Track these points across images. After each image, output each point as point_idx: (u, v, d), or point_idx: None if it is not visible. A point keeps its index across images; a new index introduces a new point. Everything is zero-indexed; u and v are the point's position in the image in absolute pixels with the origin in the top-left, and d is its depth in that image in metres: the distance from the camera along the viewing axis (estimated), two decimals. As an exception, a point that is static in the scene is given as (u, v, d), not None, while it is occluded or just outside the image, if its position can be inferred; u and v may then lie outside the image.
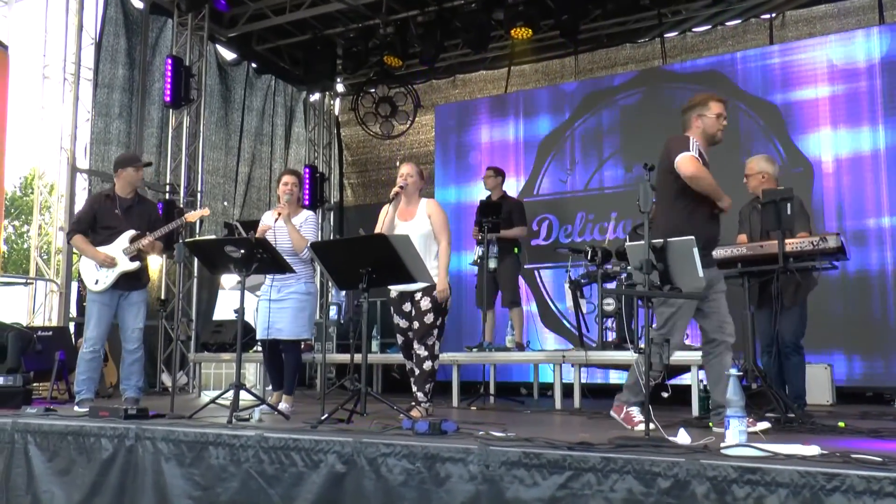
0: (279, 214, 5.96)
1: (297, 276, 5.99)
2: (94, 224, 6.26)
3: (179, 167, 10.10)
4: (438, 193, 10.58)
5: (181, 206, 9.67)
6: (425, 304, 5.56)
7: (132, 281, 6.28)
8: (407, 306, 5.68)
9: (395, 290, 5.75)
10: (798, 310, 5.86)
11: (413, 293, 5.61)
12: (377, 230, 5.62)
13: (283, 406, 5.96)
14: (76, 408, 5.91)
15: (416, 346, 5.60)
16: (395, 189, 5.71)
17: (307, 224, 6.14)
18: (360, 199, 12.67)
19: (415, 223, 5.70)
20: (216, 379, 9.03)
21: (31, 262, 9.28)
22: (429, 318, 5.57)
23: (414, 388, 5.63)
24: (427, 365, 5.60)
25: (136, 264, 6.21)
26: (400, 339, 5.82)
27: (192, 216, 6.36)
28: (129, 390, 6.30)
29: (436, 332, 5.62)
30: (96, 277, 6.21)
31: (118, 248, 6.20)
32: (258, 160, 11.74)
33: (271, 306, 6.07)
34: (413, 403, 5.56)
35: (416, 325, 5.60)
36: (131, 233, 6.23)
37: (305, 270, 6.09)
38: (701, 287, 4.08)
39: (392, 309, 5.82)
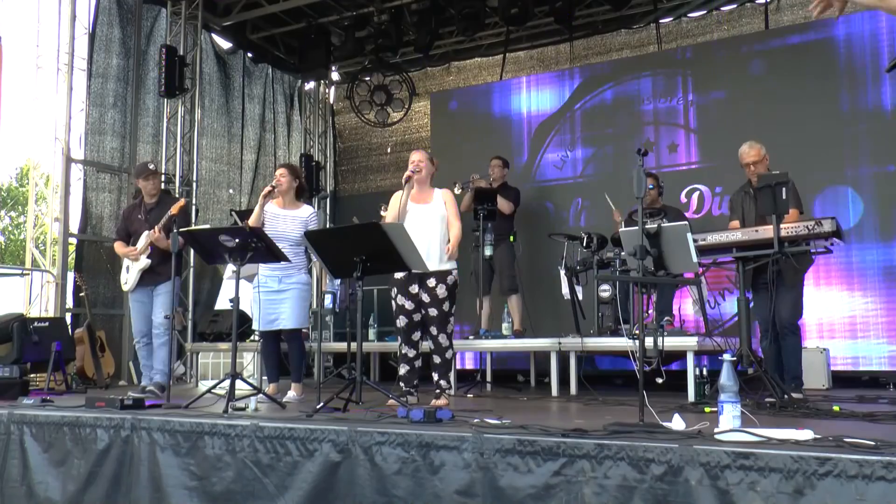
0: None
1: (297, 266, 6.12)
2: (128, 231, 6.97)
3: (175, 156, 10.08)
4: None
5: (176, 195, 9.66)
6: (441, 291, 5.53)
7: (154, 276, 6.74)
8: (414, 288, 5.58)
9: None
10: (796, 290, 5.88)
11: (422, 276, 5.51)
12: (390, 216, 5.66)
13: (291, 395, 6.09)
14: (129, 393, 6.18)
15: (438, 335, 5.58)
16: (407, 173, 5.65)
17: (311, 221, 6.29)
18: (351, 186, 12.65)
19: (432, 207, 5.69)
20: (214, 368, 9.02)
21: (27, 253, 9.26)
22: (446, 306, 5.56)
23: (435, 376, 5.62)
24: (449, 353, 5.65)
25: (147, 261, 6.66)
26: (404, 321, 5.63)
27: (174, 208, 6.65)
28: (156, 376, 6.70)
29: (452, 319, 5.66)
30: (125, 279, 6.90)
31: (137, 247, 6.71)
32: (263, 147, 11.73)
33: (272, 297, 6.15)
34: (437, 391, 5.58)
35: (434, 311, 5.54)
36: (147, 232, 6.72)
37: (303, 260, 6.16)
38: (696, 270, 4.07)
39: (396, 290, 5.67)
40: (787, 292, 5.83)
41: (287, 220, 6.21)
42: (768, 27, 9.54)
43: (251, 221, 6.00)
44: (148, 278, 6.72)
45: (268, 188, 6.13)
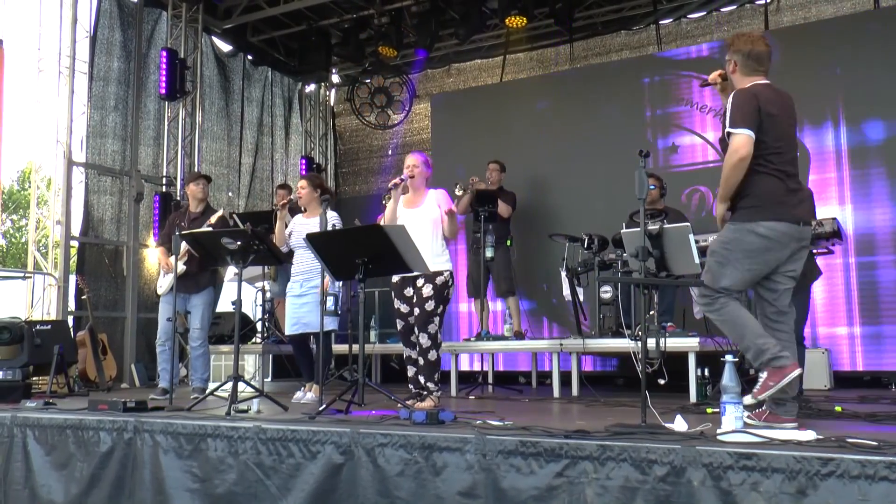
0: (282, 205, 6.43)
1: (319, 271, 6.09)
2: (171, 237, 6.96)
3: (176, 159, 10.09)
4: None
5: (178, 198, 9.67)
6: (427, 290, 5.49)
7: (190, 285, 6.87)
8: (409, 291, 5.61)
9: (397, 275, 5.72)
10: (802, 299, 5.86)
11: (415, 278, 5.54)
12: (383, 220, 5.64)
13: (310, 395, 6.21)
14: (151, 395, 6.31)
15: (419, 334, 5.51)
16: (394, 180, 5.66)
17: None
18: (352, 188, 12.66)
19: (422, 210, 5.66)
20: (215, 371, 9.02)
21: (29, 255, 9.27)
22: (430, 305, 5.49)
23: (421, 379, 5.54)
24: (432, 355, 5.53)
25: (183, 268, 6.65)
26: (400, 324, 5.71)
27: (211, 220, 6.81)
28: (195, 381, 6.98)
29: (437, 319, 5.54)
30: (161, 283, 7.14)
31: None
32: (261, 151, 11.75)
33: (296, 302, 6.33)
34: (424, 393, 5.51)
35: (416, 311, 5.52)
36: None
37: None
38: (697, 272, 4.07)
39: (393, 293, 5.74)
40: (794, 301, 5.80)
41: (310, 229, 6.18)
42: (768, 28, 9.55)
43: (275, 237, 6.27)
44: (183, 286, 6.72)
45: (284, 200, 6.38)
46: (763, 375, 3.82)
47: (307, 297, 6.23)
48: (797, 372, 3.74)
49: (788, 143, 4.06)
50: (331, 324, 6.22)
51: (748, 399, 3.82)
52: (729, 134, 3.94)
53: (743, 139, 3.88)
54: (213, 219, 6.80)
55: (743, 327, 3.92)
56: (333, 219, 6.27)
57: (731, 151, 3.91)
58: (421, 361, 5.55)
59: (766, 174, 3.96)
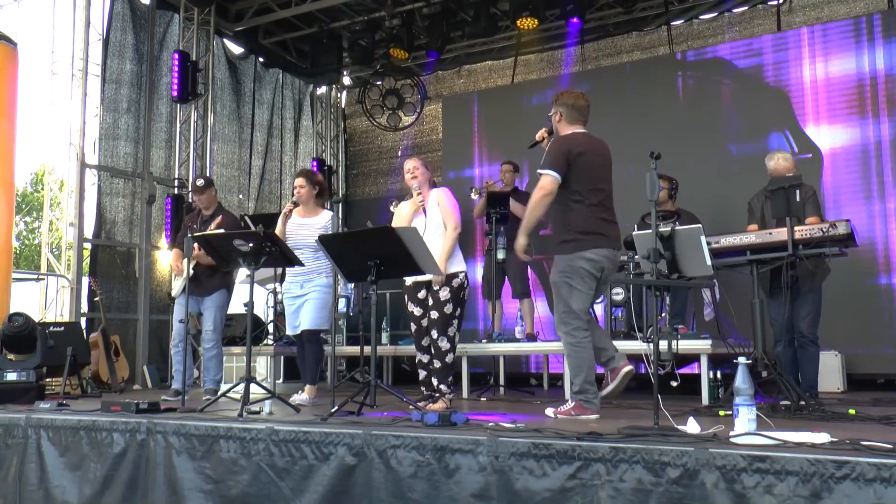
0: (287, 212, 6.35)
1: (318, 270, 6.17)
2: None
3: (188, 161, 10.13)
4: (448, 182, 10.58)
5: (189, 200, 9.70)
6: (444, 293, 5.47)
7: (201, 288, 6.83)
8: (422, 294, 5.59)
9: (409, 278, 5.72)
10: (815, 298, 5.83)
11: (429, 281, 5.51)
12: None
13: (304, 397, 6.13)
14: (163, 396, 6.33)
15: (437, 338, 5.49)
16: (418, 201, 5.67)
17: (328, 227, 6.31)
18: (362, 190, 12.68)
19: (429, 213, 5.63)
20: (227, 372, 9.04)
21: (43, 257, 9.33)
22: (448, 309, 5.47)
23: (435, 381, 5.53)
24: (449, 357, 5.52)
25: (190, 272, 6.57)
26: (413, 327, 5.70)
27: (212, 225, 6.80)
28: (207, 382, 6.92)
29: (455, 322, 5.53)
30: (175, 285, 7.15)
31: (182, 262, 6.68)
32: (270, 153, 11.78)
33: (295, 302, 6.31)
34: (436, 395, 5.50)
35: (434, 314, 5.49)
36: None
37: (325, 265, 6.19)
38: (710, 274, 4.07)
39: (406, 297, 5.73)
40: (806, 300, 5.78)
41: (306, 229, 6.24)
42: (780, 28, 9.51)
43: None
44: (195, 288, 6.72)
45: (288, 207, 6.33)
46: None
47: (310, 295, 6.22)
48: (628, 368, 4.74)
49: (602, 182, 4.85)
50: (325, 323, 6.24)
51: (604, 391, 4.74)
52: (539, 175, 4.71)
53: (549, 179, 4.68)
54: (213, 224, 6.78)
55: (586, 360, 4.71)
56: (329, 222, 6.35)
57: (538, 188, 4.69)
58: (437, 364, 5.52)
59: (583, 210, 4.71)
